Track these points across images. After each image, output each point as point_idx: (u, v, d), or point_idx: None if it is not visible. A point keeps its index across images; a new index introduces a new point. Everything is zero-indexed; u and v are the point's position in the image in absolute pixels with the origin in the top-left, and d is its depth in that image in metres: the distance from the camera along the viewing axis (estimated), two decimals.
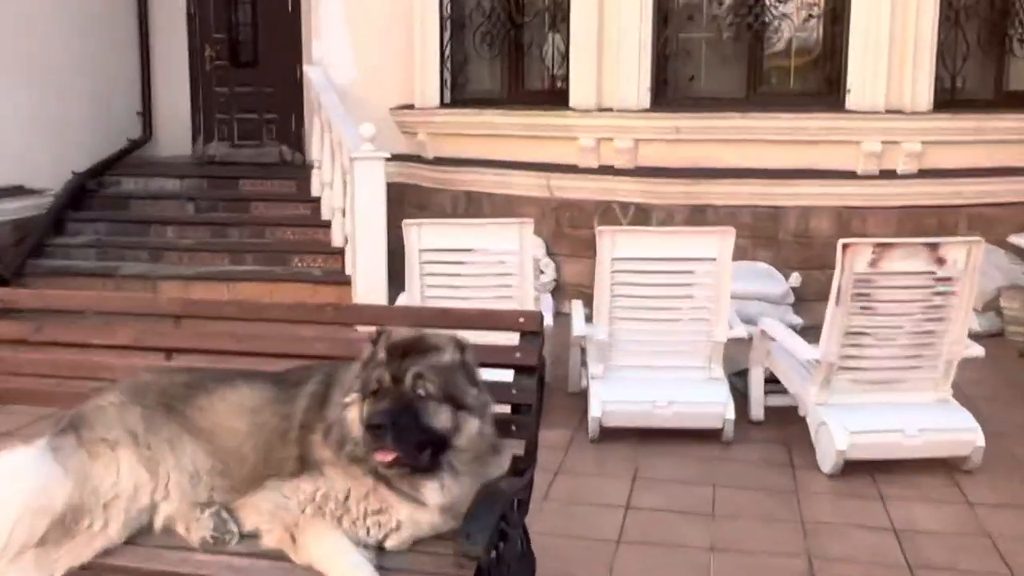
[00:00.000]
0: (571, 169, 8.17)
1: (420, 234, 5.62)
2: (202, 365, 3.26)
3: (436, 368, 2.55)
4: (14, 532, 2.54)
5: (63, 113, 9.51)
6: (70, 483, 2.62)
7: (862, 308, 4.81)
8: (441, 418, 2.54)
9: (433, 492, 2.56)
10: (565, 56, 8.34)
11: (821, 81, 8.05)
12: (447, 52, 9.10)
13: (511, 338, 3.06)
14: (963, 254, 4.77)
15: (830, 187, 7.61)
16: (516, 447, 2.94)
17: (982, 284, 6.40)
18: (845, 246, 4.71)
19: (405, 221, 5.72)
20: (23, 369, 3.33)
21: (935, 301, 4.84)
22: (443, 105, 9.13)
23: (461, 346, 2.63)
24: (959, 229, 7.50)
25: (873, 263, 4.72)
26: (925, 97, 7.66)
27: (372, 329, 2.74)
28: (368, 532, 2.55)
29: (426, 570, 2.54)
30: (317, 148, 8.91)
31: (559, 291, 8.04)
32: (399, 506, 2.56)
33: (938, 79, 7.76)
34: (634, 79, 7.93)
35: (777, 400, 5.48)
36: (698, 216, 7.67)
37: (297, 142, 10.55)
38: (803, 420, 5.11)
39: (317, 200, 8.95)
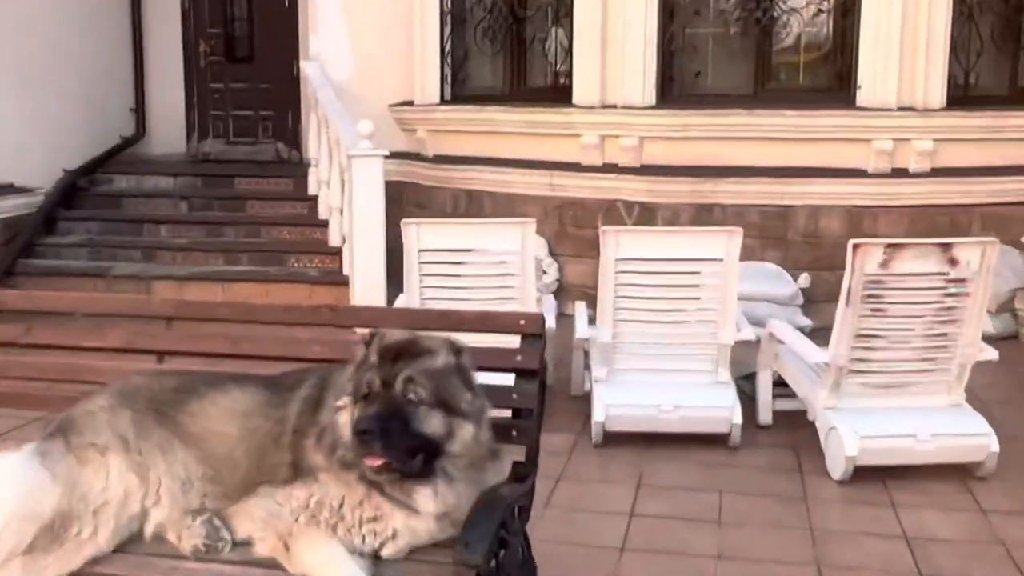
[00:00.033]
0: (574, 167, 8.16)
1: (419, 234, 5.62)
2: (195, 368, 3.26)
3: (428, 372, 2.54)
4: (1, 539, 2.54)
5: (54, 110, 9.52)
6: (58, 489, 2.61)
7: (873, 310, 4.80)
8: (433, 423, 2.52)
9: (427, 499, 2.55)
10: (568, 51, 8.34)
11: (831, 77, 8.04)
12: (447, 47, 9.10)
13: (512, 341, 3.05)
14: (977, 255, 4.76)
15: (840, 186, 7.60)
16: (517, 453, 2.93)
17: (996, 285, 6.38)
18: (855, 247, 4.70)
19: (404, 220, 5.71)
20: (11, 372, 3.32)
21: (948, 303, 4.82)
22: (443, 102, 9.12)
23: (456, 349, 2.61)
24: (972, 229, 7.49)
25: (884, 264, 4.71)
26: (938, 94, 7.64)
27: (367, 331, 2.73)
28: (364, 540, 2.54)
29: None
30: (314, 146, 8.90)
31: (562, 292, 8.03)
32: (394, 513, 2.55)
33: (951, 75, 7.74)
34: (639, 75, 7.91)
35: (785, 404, 5.47)
36: (705, 215, 7.66)
37: (294, 139, 10.55)
38: (812, 425, 5.10)
39: (314, 199, 8.96)
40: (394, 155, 8.54)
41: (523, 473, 2.92)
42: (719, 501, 4.60)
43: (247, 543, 2.60)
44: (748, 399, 5.53)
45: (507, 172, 8.43)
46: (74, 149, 9.71)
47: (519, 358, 3.00)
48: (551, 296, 7.54)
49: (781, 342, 5.41)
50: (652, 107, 7.95)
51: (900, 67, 7.55)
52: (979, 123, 7.72)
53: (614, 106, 8.03)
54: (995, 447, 4.76)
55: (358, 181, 7.70)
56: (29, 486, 2.61)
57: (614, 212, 7.90)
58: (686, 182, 7.74)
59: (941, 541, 4.21)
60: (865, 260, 4.69)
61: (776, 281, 7.32)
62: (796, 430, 5.31)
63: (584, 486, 4.81)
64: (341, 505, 2.56)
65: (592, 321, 5.61)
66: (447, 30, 9.07)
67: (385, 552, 2.56)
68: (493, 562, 2.55)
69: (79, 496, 2.61)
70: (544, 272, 7.99)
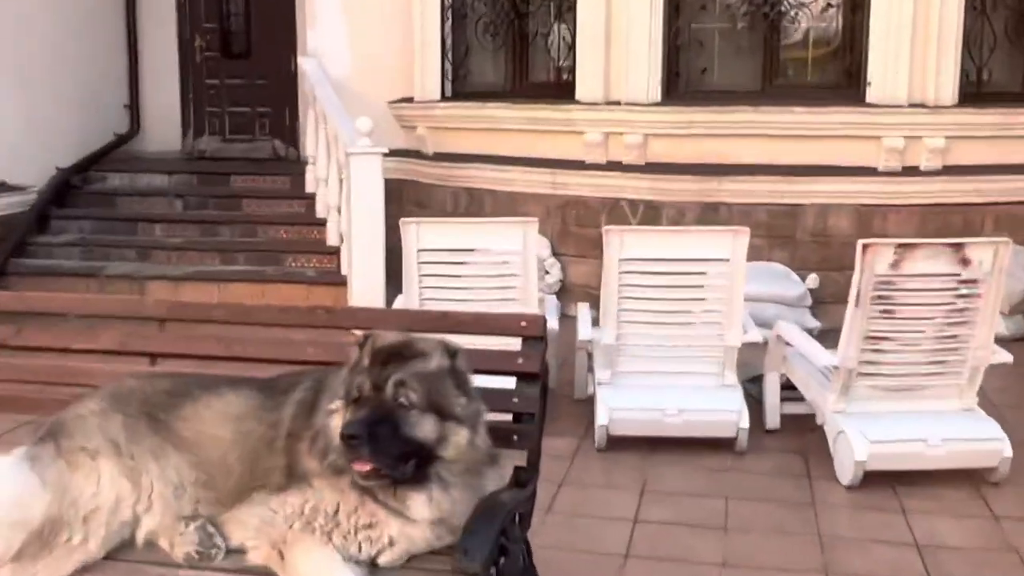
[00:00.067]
0: (577, 165, 8.16)
1: (419, 233, 5.61)
2: (188, 371, 3.25)
3: (420, 375, 2.52)
4: None
5: (47, 106, 9.51)
6: (48, 495, 2.60)
7: (883, 312, 4.79)
8: (425, 428, 2.51)
9: (421, 505, 2.54)
10: (571, 47, 8.33)
11: (840, 73, 8.03)
12: (448, 43, 9.10)
13: (513, 343, 3.05)
14: (989, 255, 4.75)
15: (849, 184, 7.59)
16: (518, 458, 2.92)
17: (1009, 286, 6.37)
18: (865, 247, 4.69)
19: (403, 220, 5.71)
20: (1, 374, 3.31)
21: (959, 304, 4.82)
22: (444, 98, 9.13)
23: (451, 352, 2.60)
24: (985, 228, 7.49)
25: (894, 264, 4.70)
26: (949, 90, 7.63)
27: (361, 333, 2.72)
28: (360, 548, 2.52)
29: None
30: (312, 143, 8.90)
31: (565, 292, 8.03)
32: (389, 520, 2.54)
33: (963, 71, 7.73)
34: (644, 71, 7.91)
35: (793, 408, 5.46)
36: (711, 214, 7.66)
37: (291, 137, 10.56)
38: (820, 429, 5.09)
39: (312, 197, 8.96)
40: (393, 153, 8.54)
41: (524, 479, 2.91)
42: (725, 507, 4.60)
43: (241, 550, 2.59)
44: (755, 402, 5.53)
45: (509, 170, 8.42)
46: (67, 146, 9.70)
47: (520, 361, 2.98)
48: (554, 297, 7.53)
49: (789, 344, 5.40)
50: (657, 104, 7.95)
51: (911, 63, 7.54)
52: (992, 120, 7.70)
53: (618, 103, 8.02)
54: (1008, 452, 4.74)
55: (357, 179, 7.70)
56: (18, 492, 2.60)
57: (618, 211, 7.89)
58: (691, 180, 7.74)
59: (952, 549, 4.20)
60: (875, 260, 4.69)
61: (784, 282, 7.31)
62: (804, 434, 5.31)
63: (587, 491, 4.81)
64: (336, 511, 2.54)
65: (595, 322, 5.60)
66: (448, 25, 9.07)
67: (382, 560, 2.55)
68: (493, 570, 2.54)
69: (69, 502, 2.60)
70: (546, 272, 7.99)
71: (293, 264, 8.69)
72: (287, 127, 10.60)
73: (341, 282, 8.03)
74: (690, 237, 5.67)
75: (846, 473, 4.77)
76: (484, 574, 2.44)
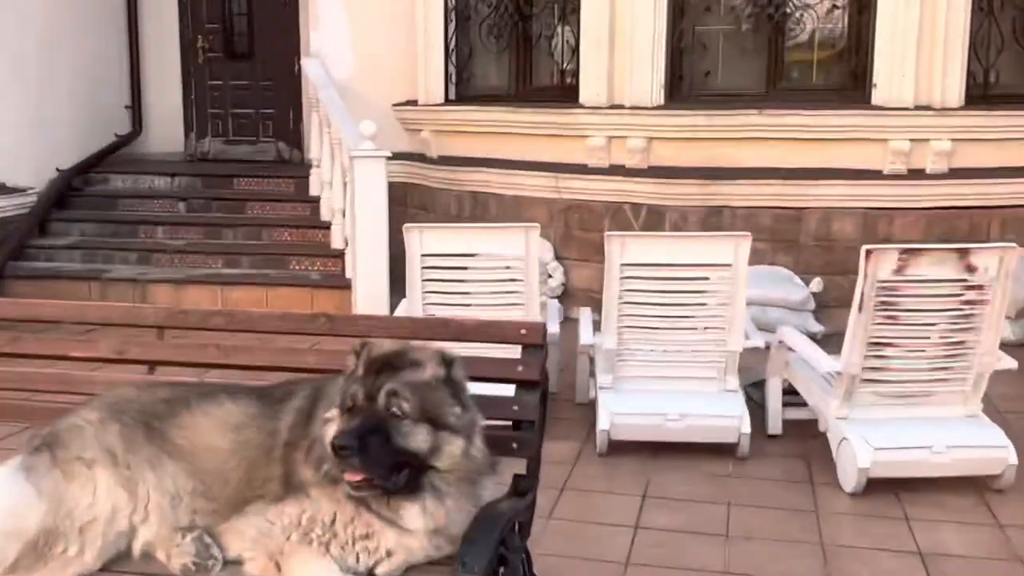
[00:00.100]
0: (581, 169, 8.16)
1: (422, 239, 5.62)
2: (187, 379, 3.25)
3: (413, 385, 2.52)
4: None
5: (47, 107, 9.54)
6: (44, 505, 2.60)
7: (887, 317, 4.78)
8: (417, 438, 2.50)
9: (415, 516, 2.53)
10: (575, 50, 8.33)
11: (846, 75, 8.02)
12: (452, 45, 9.10)
13: (514, 349, 3.04)
14: (995, 261, 4.74)
15: (854, 188, 7.58)
16: (517, 465, 2.92)
17: (1015, 291, 6.33)
18: (869, 252, 4.67)
19: (406, 225, 5.71)
20: None
21: (964, 310, 4.80)
22: (448, 101, 9.14)
23: (447, 361, 2.58)
24: (992, 232, 7.47)
25: (899, 270, 4.69)
26: (956, 92, 7.62)
27: (358, 341, 2.72)
28: (358, 559, 2.52)
29: None
30: (316, 146, 8.92)
31: (568, 296, 8.03)
32: (385, 531, 2.53)
33: (970, 73, 7.71)
34: (647, 74, 7.91)
35: (796, 413, 5.45)
36: (714, 218, 7.65)
37: (295, 139, 10.57)
38: (823, 435, 5.09)
39: (316, 200, 8.97)
40: (398, 156, 8.56)
41: (524, 487, 2.91)
42: (727, 513, 4.59)
43: (238, 562, 2.59)
44: (757, 408, 5.52)
45: (513, 174, 8.42)
46: (68, 148, 9.72)
47: (520, 368, 2.98)
48: (556, 300, 7.54)
49: (791, 349, 5.39)
50: (660, 107, 7.94)
51: (917, 65, 7.53)
52: (999, 122, 7.69)
53: (622, 106, 8.02)
54: (1013, 459, 4.73)
55: (360, 183, 7.71)
56: (13, 502, 2.60)
57: (621, 215, 7.89)
58: (695, 184, 7.73)
59: (957, 557, 4.18)
60: (879, 266, 4.67)
61: (787, 285, 7.30)
62: (807, 440, 5.30)
63: (588, 497, 4.81)
64: (333, 521, 2.54)
65: (598, 327, 5.60)
66: (451, 27, 9.07)
67: (380, 571, 2.54)
68: None
69: (65, 512, 2.60)
70: (549, 276, 7.99)
71: (297, 267, 8.69)
72: (291, 129, 10.61)
73: (345, 286, 8.04)
74: (692, 243, 5.66)
75: (849, 480, 4.76)
76: None
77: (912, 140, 7.56)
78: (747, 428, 5.14)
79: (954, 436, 4.77)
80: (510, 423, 2.93)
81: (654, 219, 7.80)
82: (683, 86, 8.12)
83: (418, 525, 2.53)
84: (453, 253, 5.66)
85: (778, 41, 7.97)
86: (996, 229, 7.50)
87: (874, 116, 7.60)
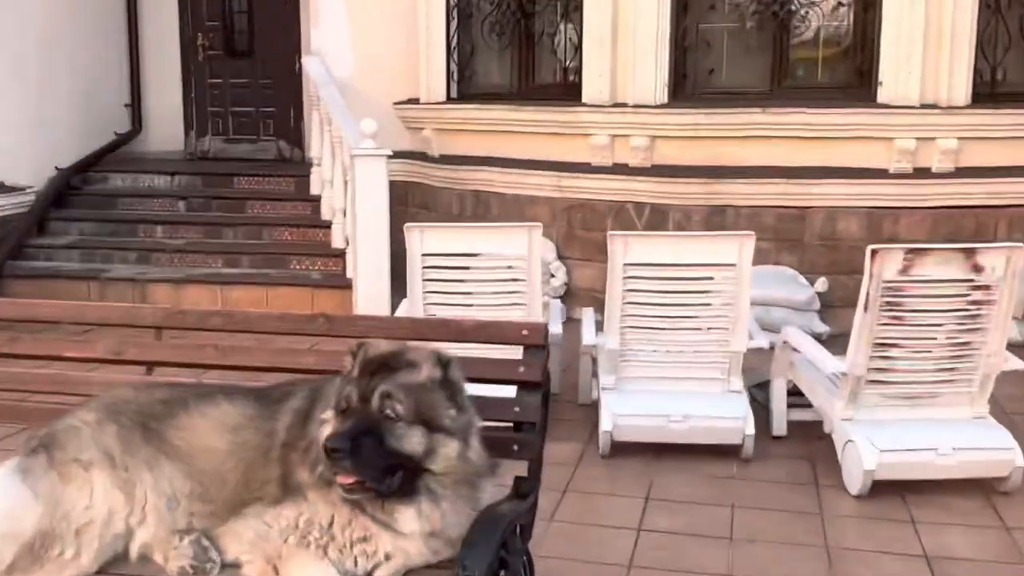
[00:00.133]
0: (584, 168, 8.15)
1: (423, 238, 5.61)
2: (185, 379, 3.25)
3: (407, 387, 2.51)
4: None
5: (46, 105, 9.53)
6: (40, 507, 2.60)
7: (892, 317, 4.77)
8: (412, 441, 2.49)
9: (410, 519, 2.52)
10: (578, 47, 8.32)
11: (851, 73, 8.00)
12: (454, 43, 9.09)
13: (515, 350, 3.03)
14: (1002, 261, 4.72)
15: (860, 187, 7.57)
16: (519, 467, 2.91)
17: (1022, 292, 6.32)
18: (874, 252, 4.66)
19: (407, 225, 5.71)
20: None
21: (971, 310, 4.79)
22: (449, 99, 9.13)
23: (443, 362, 2.57)
24: (999, 231, 7.45)
25: (904, 270, 4.68)
26: (963, 90, 7.60)
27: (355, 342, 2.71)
28: (356, 563, 2.52)
29: None
30: (317, 144, 8.91)
31: (570, 296, 8.02)
32: (381, 534, 2.53)
33: (977, 71, 7.69)
34: (651, 72, 7.90)
35: (801, 414, 5.44)
36: (718, 217, 7.64)
37: (296, 138, 10.55)
38: (828, 436, 5.08)
39: (317, 199, 8.96)
40: (399, 155, 8.55)
41: (525, 489, 2.90)
42: (731, 516, 4.58)
43: (236, 565, 2.58)
44: (761, 409, 5.52)
45: (515, 173, 8.42)
46: (67, 146, 9.71)
47: (521, 370, 2.97)
48: (559, 300, 7.53)
49: (796, 350, 5.38)
50: (664, 105, 7.93)
51: (923, 62, 7.51)
52: (1006, 121, 7.66)
53: (625, 104, 8.01)
54: (1020, 462, 4.71)
55: (361, 181, 7.70)
56: (9, 504, 2.60)
57: (624, 214, 7.88)
58: (699, 183, 7.72)
59: (963, 560, 4.17)
60: (884, 266, 4.66)
61: (792, 285, 7.29)
62: (812, 442, 5.29)
63: (591, 499, 4.80)
64: (331, 524, 2.53)
65: (600, 327, 5.59)
66: (453, 25, 9.06)
67: (378, 575, 2.54)
68: None
69: (61, 515, 2.60)
70: (552, 276, 7.98)
71: (298, 267, 8.69)
72: (292, 128, 10.60)
73: (346, 285, 8.04)
74: (695, 242, 5.65)
75: (854, 482, 4.75)
76: None
77: (918, 139, 7.54)
78: (751, 429, 5.13)
79: (960, 438, 4.76)
80: (511, 425, 2.93)
81: (657, 218, 7.79)
82: (687, 84, 8.11)
83: (413, 528, 2.53)
84: (454, 253, 5.65)
85: (783, 39, 7.96)
86: (1003, 228, 7.49)
87: (880, 114, 7.59)
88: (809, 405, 5.36)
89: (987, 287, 4.75)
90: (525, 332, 3.06)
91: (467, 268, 5.66)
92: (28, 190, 9.25)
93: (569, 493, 4.82)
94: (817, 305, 7.31)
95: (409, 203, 9.25)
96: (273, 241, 9.07)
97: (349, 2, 9.50)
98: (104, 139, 10.34)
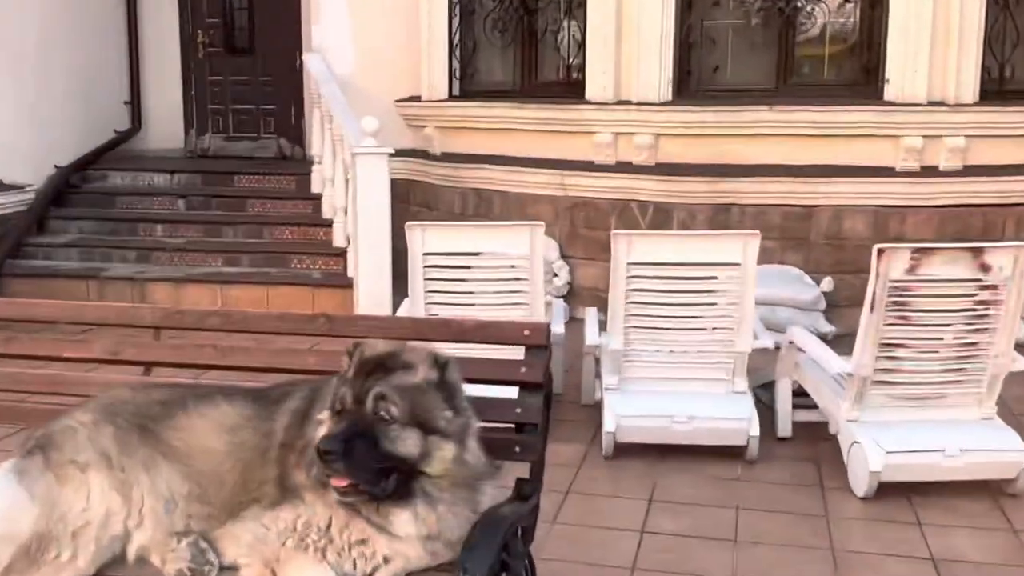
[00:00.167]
0: (587, 166, 8.15)
1: (424, 237, 5.61)
2: (183, 380, 3.25)
3: (402, 388, 2.49)
4: None
5: (45, 102, 9.53)
6: (36, 509, 2.59)
7: (899, 317, 4.76)
8: (407, 443, 2.47)
9: (404, 522, 2.51)
10: (581, 44, 8.32)
11: (857, 71, 7.99)
12: (456, 40, 9.09)
13: (517, 350, 3.03)
14: (1010, 260, 4.71)
15: (866, 185, 7.55)
16: (521, 469, 2.91)
17: None
18: (880, 251, 4.65)
19: (408, 224, 5.71)
20: None
21: (978, 310, 4.78)
22: (452, 97, 9.13)
23: (440, 363, 2.56)
24: (1007, 230, 7.45)
25: (911, 269, 4.67)
26: (970, 87, 7.59)
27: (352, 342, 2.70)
28: (355, 565, 2.51)
29: None
30: (318, 142, 8.91)
31: (573, 296, 8.02)
32: (378, 537, 2.52)
33: (985, 68, 7.69)
34: (655, 69, 7.90)
35: (806, 415, 5.43)
36: (722, 216, 7.63)
37: (297, 135, 10.56)
38: (834, 437, 5.07)
39: (318, 198, 8.96)
40: (400, 153, 8.55)
41: (527, 491, 2.89)
42: (735, 518, 4.57)
43: (234, 567, 2.58)
44: (766, 410, 5.51)
45: (518, 171, 8.41)
46: (66, 144, 9.71)
47: (523, 370, 2.97)
48: (561, 300, 7.52)
49: (801, 350, 5.37)
50: (668, 103, 7.93)
51: (930, 59, 7.51)
52: (1014, 118, 7.65)
53: (629, 102, 8.01)
54: None
55: (363, 180, 7.70)
56: (5, 506, 2.60)
57: (628, 213, 7.87)
58: (703, 181, 7.71)
59: (970, 563, 4.16)
60: (890, 266, 4.65)
61: (797, 285, 7.29)
62: (817, 443, 5.28)
63: (593, 501, 4.79)
64: (329, 526, 2.52)
65: (603, 327, 5.59)
66: (455, 22, 9.06)
67: None
68: None
69: (58, 517, 2.59)
70: (554, 275, 7.98)
71: (298, 266, 8.69)
72: (292, 125, 10.60)
73: (347, 284, 8.04)
74: (700, 241, 5.65)
75: (860, 484, 4.74)
76: None
77: (925, 136, 7.54)
78: (756, 431, 5.12)
79: (968, 439, 4.75)
80: (513, 426, 2.92)
81: (661, 217, 7.78)
82: (691, 81, 8.11)
83: (409, 531, 2.51)
84: (456, 252, 5.65)
85: (788, 35, 7.96)
86: (1011, 227, 7.48)
87: (886, 112, 7.58)
88: (814, 406, 5.35)
89: (995, 287, 4.74)
90: (527, 332, 3.05)
91: (469, 267, 5.66)
92: (27, 188, 9.25)
93: (572, 495, 4.82)
94: (823, 305, 7.30)
95: (411, 201, 9.25)
96: (273, 240, 9.06)
97: None
98: (103, 137, 10.34)
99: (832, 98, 7.75)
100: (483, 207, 8.64)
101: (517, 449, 2.89)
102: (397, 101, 9.38)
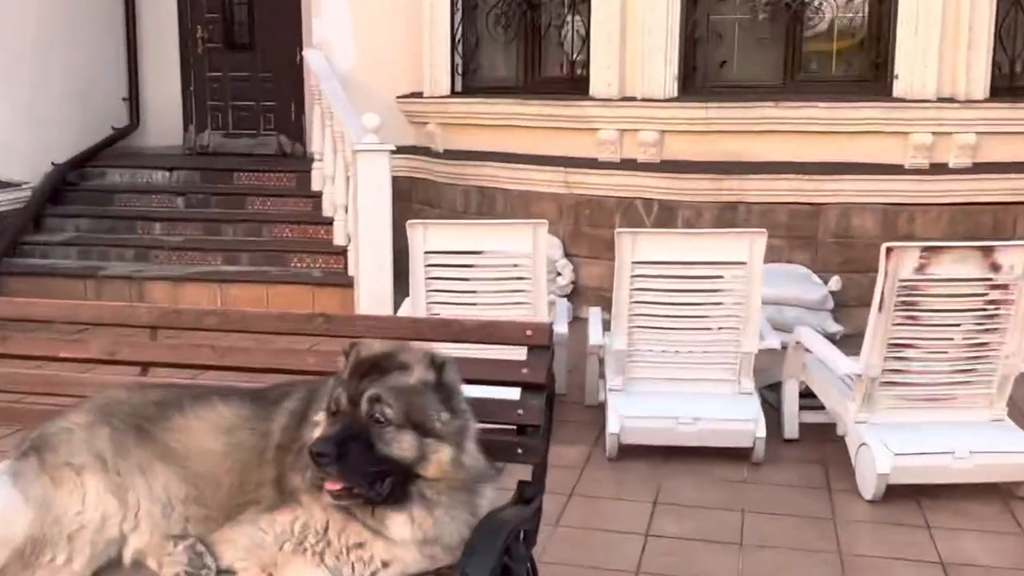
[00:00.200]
0: (591, 163, 8.14)
1: (425, 235, 5.61)
2: (180, 380, 3.24)
3: (397, 390, 2.47)
4: None
5: (41, 99, 9.54)
6: (31, 512, 2.59)
7: (908, 317, 4.75)
8: (402, 446, 2.46)
9: (401, 526, 2.49)
10: (585, 40, 8.31)
11: (866, 66, 7.99)
12: (458, 35, 9.08)
13: (519, 350, 3.02)
14: (1020, 259, 4.71)
15: (875, 183, 7.54)
16: (523, 471, 2.90)
17: None
18: (889, 250, 4.65)
19: (409, 221, 5.70)
20: None
21: (989, 310, 4.78)
22: (454, 93, 9.12)
23: (437, 363, 2.54)
24: (1017, 228, 7.44)
25: (920, 268, 4.66)
26: (981, 84, 7.58)
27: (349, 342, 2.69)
28: (353, 569, 2.50)
29: None
30: (318, 139, 8.90)
31: (577, 295, 8.01)
32: (375, 541, 2.51)
33: (995, 64, 7.68)
34: (660, 65, 7.88)
35: (813, 416, 5.43)
36: (729, 214, 7.62)
37: (297, 132, 10.56)
38: (842, 439, 5.06)
39: (318, 195, 8.96)
40: (402, 150, 8.54)
41: (529, 494, 2.88)
42: (741, 521, 4.57)
43: (231, 571, 2.57)
44: (773, 411, 5.51)
45: (521, 168, 8.41)
46: (63, 141, 9.72)
47: (525, 371, 2.96)
48: (565, 299, 7.52)
49: (809, 350, 5.36)
50: (674, 99, 7.92)
51: (940, 55, 7.49)
52: None
53: (633, 98, 8.00)
54: None
55: (364, 177, 7.69)
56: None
57: (632, 211, 7.87)
58: (709, 179, 7.70)
59: (980, 567, 4.15)
60: (899, 264, 4.65)
61: (805, 284, 7.27)
62: (824, 445, 5.28)
63: (597, 503, 4.79)
64: (326, 529, 2.52)
65: (607, 327, 5.58)
66: (458, 17, 9.05)
67: None
68: None
69: (53, 520, 2.58)
70: (558, 274, 7.97)
71: (298, 264, 8.69)
72: (293, 122, 10.61)
73: (348, 283, 8.03)
74: (705, 240, 5.64)
75: (868, 487, 4.73)
76: None
77: (935, 133, 7.53)
78: (762, 432, 5.12)
79: (978, 441, 4.74)
80: (515, 428, 2.91)
81: (666, 215, 7.77)
82: (697, 77, 8.10)
83: (405, 535, 2.50)
84: (458, 250, 5.65)
85: (796, 31, 7.94)
86: (1022, 226, 7.47)
87: (895, 108, 7.56)
88: (822, 407, 5.34)
89: (1005, 286, 4.73)
90: (529, 332, 3.04)
91: (471, 266, 5.67)
92: (24, 186, 9.25)
93: (575, 497, 4.81)
94: (830, 304, 7.29)
95: (412, 199, 9.24)
96: (273, 238, 9.06)
97: None
98: (101, 134, 10.35)
99: (840, 94, 7.74)
100: (486, 205, 8.63)
101: (519, 451, 2.89)
102: (399, 97, 9.38)
